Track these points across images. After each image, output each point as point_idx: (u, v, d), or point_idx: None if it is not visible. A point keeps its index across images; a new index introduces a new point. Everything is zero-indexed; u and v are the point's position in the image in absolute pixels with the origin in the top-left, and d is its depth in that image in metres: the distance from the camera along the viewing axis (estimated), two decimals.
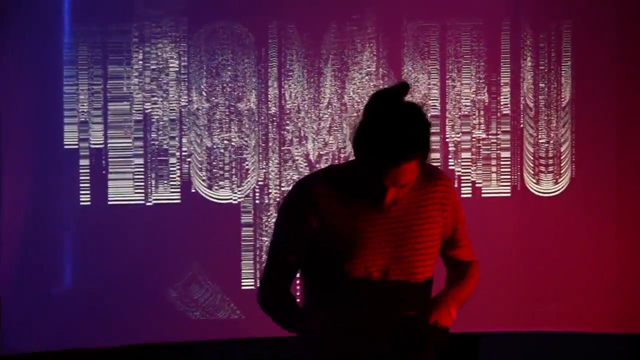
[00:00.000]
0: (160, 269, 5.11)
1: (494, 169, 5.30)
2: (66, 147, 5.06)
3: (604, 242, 5.32)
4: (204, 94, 5.13)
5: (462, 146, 5.27)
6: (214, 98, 5.14)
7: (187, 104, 5.12)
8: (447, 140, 5.25)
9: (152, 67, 5.11)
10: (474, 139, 5.27)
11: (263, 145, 5.16)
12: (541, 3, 5.28)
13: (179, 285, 5.14)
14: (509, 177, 5.30)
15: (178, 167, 5.13)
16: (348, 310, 2.97)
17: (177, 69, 5.12)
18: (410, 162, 2.77)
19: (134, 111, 5.09)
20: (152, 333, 5.14)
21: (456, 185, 5.20)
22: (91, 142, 5.08)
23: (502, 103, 5.28)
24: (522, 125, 5.29)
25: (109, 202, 5.09)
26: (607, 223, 5.32)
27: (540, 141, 5.31)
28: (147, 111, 5.10)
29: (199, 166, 5.14)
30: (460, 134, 5.25)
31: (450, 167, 5.24)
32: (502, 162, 5.30)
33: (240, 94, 5.15)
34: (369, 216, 2.93)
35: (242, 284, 5.19)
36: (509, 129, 5.29)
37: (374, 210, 2.92)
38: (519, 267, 5.30)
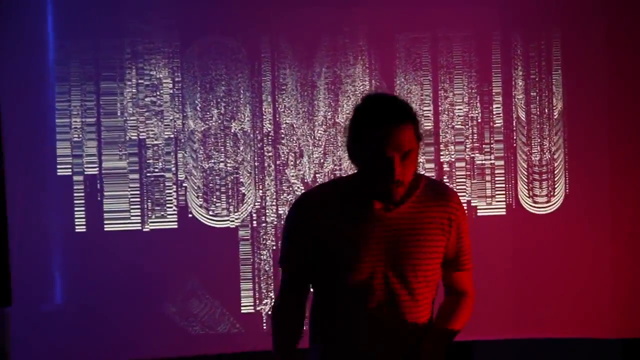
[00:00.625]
0: (159, 285, 5.11)
1: (488, 185, 5.32)
2: (59, 173, 5.07)
3: (599, 250, 5.35)
4: (198, 110, 5.13)
5: (457, 165, 5.29)
6: (208, 117, 5.14)
7: (181, 126, 5.12)
8: (442, 160, 5.28)
9: (146, 83, 5.11)
10: (468, 158, 5.30)
11: (259, 165, 5.18)
12: (530, 13, 5.31)
13: (178, 300, 5.14)
14: (503, 195, 5.33)
15: (174, 192, 5.13)
16: (348, 315, 3.04)
17: (170, 85, 5.12)
18: (404, 129, 2.90)
19: (128, 136, 5.10)
20: (151, 348, 5.14)
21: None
22: (85, 167, 5.08)
23: (494, 114, 5.30)
24: (515, 144, 5.32)
25: (105, 229, 5.08)
26: (603, 231, 5.35)
27: (534, 157, 5.33)
28: (141, 136, 5.11)
29: (195, 191, 5.14)
30: (454, 152, 5.28)
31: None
32: (496, 180, 5.33)
33: (234, 109, 5.16)
34: (368, 225, 3.00)
35: (242, 303, 5.23)
36: (502, 147, 5.31)
37: (373, 219, 2.99)
38: (514, 276, 5.32)
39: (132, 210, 5.09)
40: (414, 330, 3.06)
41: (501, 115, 5.30)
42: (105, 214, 5.07)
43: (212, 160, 5.15)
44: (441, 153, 5.26)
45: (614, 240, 5.34)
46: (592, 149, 5.33)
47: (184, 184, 5.12)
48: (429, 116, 5.26)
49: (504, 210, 5.33)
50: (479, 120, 5.29)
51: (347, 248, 2.99)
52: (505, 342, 5.46)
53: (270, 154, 5.17)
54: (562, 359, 5.57)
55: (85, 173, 5.07)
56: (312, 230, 3.03)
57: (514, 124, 5.31)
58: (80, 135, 5.06)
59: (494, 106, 5.30)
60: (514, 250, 5.31)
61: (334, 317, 3.08)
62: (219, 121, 5.15)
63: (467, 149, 5.29)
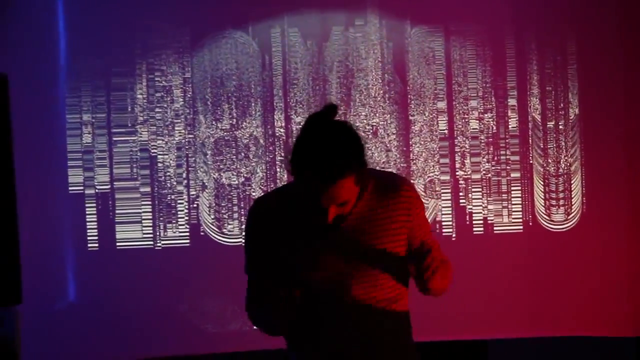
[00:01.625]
0: (170, 286, 5.08)
1: (504, 204, 5.26)
2: (71, 191, 5.04)
3: (615, 250, 5.30)
4: (209, 105, 5.10)
5: (473, 178, 5.24)
6: (220, 118, 5.09)
7: (191, 136, 5.08)
8: (457, 176, 5.23)
9: (156, 79, 5.08)
10: (484, 171, 5.24)
11: (271, 177, 5.14)
12: (544, 6, 5.26)
13: (190, 299, 5.11)
14: (520, 213, 5.26)
15: (186, 208, 5.09)
16: (319, 321, 2.96)
17: (181, 82, 5.09)
18: (339, 183, 2.76)
19: (139, 148, 5.08)
20: (163, 346, 5.10)
21: (467, 222, 5.19)
22: (96, 184, 5.06)
23: (509, 117, 5.25)
24: (531, 161, 5.25)
25: (118, 247, 5.05)
26: (620, 232, 5.29)
27: (549, 169, 5.27)
28: (152, 152, 5.07)
29: (207, 207, 5.10)
30: (470, 164, 5.22)
31: (461, 204, 5.23)
32: (513, 198, 5.26)
33: (245, 104, 5.12)
34: (319, 232, 2.91)
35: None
36: (518, 160, 5.25)
37: (322, 226, 2.88)
38: (529, 275, 5.27)
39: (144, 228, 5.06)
40: (391, 329, 3.00)
41: (516, 117, 5.23)
42: (117, 234, 5.05)
43: (224, 172, 5.11)
44: (456, 171, 5.20)
45: (630, 238, 5.29)
46: (609, 155, 5.26)
47: (196, 202, 5.08)
48: (443, 110, 5.21)
49: (521, 226, 5.27)
50: (495, 119, 5.22)
51: (305, 257, 2.91)
52: (520, 340, 5.41)
53: (282, 164, 5.12)
54: (576, 357, 5.53)
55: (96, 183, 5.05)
56: (268, 239, 2.95)
57: (530, 127, 5.24)
58: (92, 159, 5.04)
59: (509, 101, 5.24)
60: (530, 260, 5.25)
61: (305, 324, 2.99)
62: (230, 124, 5.10)
63: (483, 161, 5.23)
